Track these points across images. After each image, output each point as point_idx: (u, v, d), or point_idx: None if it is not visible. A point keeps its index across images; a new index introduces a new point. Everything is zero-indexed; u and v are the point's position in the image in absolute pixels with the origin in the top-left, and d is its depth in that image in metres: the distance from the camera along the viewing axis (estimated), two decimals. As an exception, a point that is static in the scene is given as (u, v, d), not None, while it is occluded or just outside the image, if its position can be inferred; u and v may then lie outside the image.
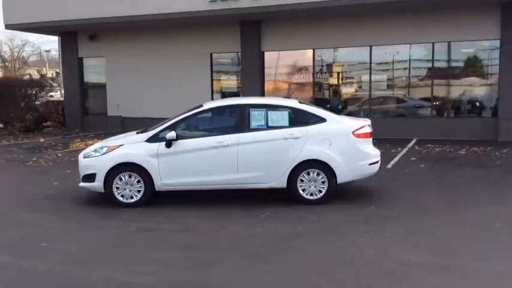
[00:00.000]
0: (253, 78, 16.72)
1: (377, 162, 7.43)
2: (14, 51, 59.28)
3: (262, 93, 16.81)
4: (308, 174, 7.11)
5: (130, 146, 7.11)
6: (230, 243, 5.50)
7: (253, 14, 15.36)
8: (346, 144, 7.18)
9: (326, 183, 7.12)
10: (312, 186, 7.12)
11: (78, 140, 15.18)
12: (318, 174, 7.10)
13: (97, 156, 7.14)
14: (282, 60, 16.94)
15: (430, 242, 5.40)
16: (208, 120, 7.58)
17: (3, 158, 12.12)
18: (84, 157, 7.29)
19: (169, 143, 6.98)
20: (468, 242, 5.41)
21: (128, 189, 7.05)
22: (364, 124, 7.38)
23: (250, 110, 7.25)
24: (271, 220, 6.40)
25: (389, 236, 5.64)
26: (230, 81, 17.79)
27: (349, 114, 16.33)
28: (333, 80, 16.53)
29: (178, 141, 7.03)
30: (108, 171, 7.00)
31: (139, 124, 17.59)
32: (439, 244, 5.36)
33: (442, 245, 5.31)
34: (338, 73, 16.46)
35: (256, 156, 7.06)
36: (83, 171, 7.21)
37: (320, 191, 7.14)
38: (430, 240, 5.48)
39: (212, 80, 17.58)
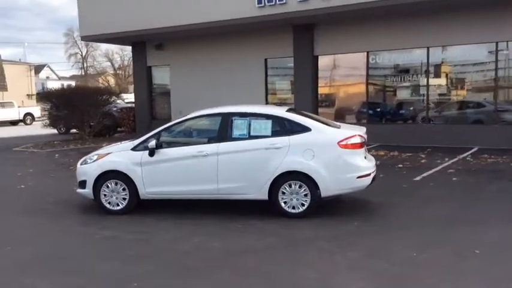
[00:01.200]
0: (306, 82, 16.43)
1: (367, 175, 6.91)
2: (124, 60, 63.74)
3: (315, 98, 16.51)
4: (290, 186, 6.83)
5: (117, 155, 7.34)
6: (177, 256, 5.44)
7: (304, 18, 15.08)
8: (330, 155, 6.78)
9: (309, 196, 6.78)
10: (294, 199, 6.83)
11: None
12: (300, 187, 6.79)
13: (89, 164, 7.47)
14: (335, 64, 16.45)
15: (383, 269, 4.91)
16: (191, 129, 7.57)
17: (55, 162, 13.13)
18: (81, 164, 7.66)
19: (152, 152, 7.10)
20: (427, 270, 4.83)
21: (115, 197, 7.28)
22: (351, 134, 6.91)
23: (233, 119, 7.14)
24: (238, 233, 6.24)
25: (345, 259, 5.22)
26: (284, 86, 17.64)
27: (406, 119, 15.56)
28: (388, 83, 15.70)
29: (161, 150, 7.13)
30: (96, 178, 7.29)
31: None
32: (394, 271, 4.85)
33: (396, 272, 4.81)
34: (393, 76, 15.59)
35: (236, 166, 6.93)
36: (78, 178, 7.58)
37: (303, 204, 6.82)
38: (385, 266, 4.98)
39: (267, 85, 17.56)
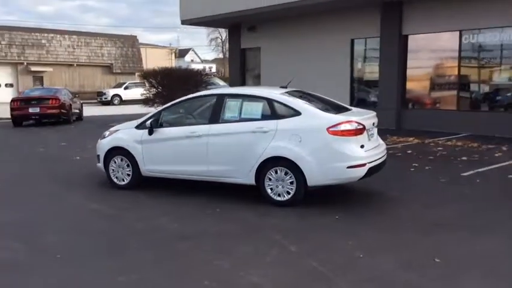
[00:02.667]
0: (392, 64, 15.25)
1: (359, 165, 6.23)
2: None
3: (403, 81, 15.29)
4: (276, 172, 6.46)
5: (123, 132, 7.61)
6: (126, 234, 5.44)
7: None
8: (318, 142, 6.26)
9: (294, 184, 6.37)
10: (279, 186, 6.45)
11: None
12: (286, 174, 6.39)
13: (103, 139, 7.87)
14: (425, 44, 15.00)
15: (305, 268, 4.42)
16: (189, 109, 7.48)
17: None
18: (100, 139, 8.10)
19: (150, 131, 7.23)
20: (353, 275, 4.26)
21: (120, 172, 7.57)
22: (342, 120, 6.28)
23: (226, 100, 6.94)
24: (208, 217, 6.07)
25: (280, 253, 4.80)
26: (371, 68, 16.62)
27: (505, 106, 13.65)
28: (484, 66, 13.88)
29: (159, 129, 7.22)
30: (105, 154, 7.66)
31: None
32: (313, 271, 4.35)
33: (313, 273, 4.31)
34: (489, 58, 13.75)
35: (225, 149, 6.75)
36: (96, 152, 8.03)
37: (288, 193, 6.42)
38: (313, 264, 4.47)
39: (352, 67, 16.72)
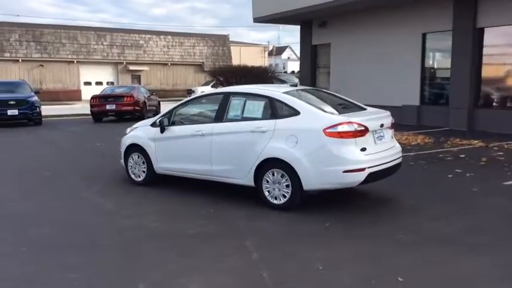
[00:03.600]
0: (465, 59, 14.08)
1: (357, 170, 5.80)
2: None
3: (477, 78, 14.03)
4: (273, 174, 6.23)
5: (140, 129, 7.79)
6: (108, 230, 5.54)
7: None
8: (314, 143, 5.92)
9: (290, 188, 6.09)
10: (276, 189, 6.21)
11: None
12: (282, 176, 6.14)
13: (124, 136, 8.12)
14: (503, 38, 13.60)
15: (252, 277, 4.21)
16: (199, 108, 7.43)
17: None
18: (124, 136, 8.36)
19: (162, 128, 7.34)
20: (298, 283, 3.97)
21: (137, 169, 7.78)
22: (340, 121, 5.86)
23: (231, 99, 6.82)
24: (197, 217, 5.96)
25: (240, 259, 4.61)
26: (443, 64, 15.45)
27: None
28: None
29: (170, 127, 7.30)
30: (125, 150, 7.91)
31: None
32: (258, 279, 4.13)
33: (255, 280, 4.10)
34: None
35: (226, 148, 6.64)
36: (120, 149, 8.30)
37: (284, 196, 6.16)
38: (261, 274, 4.25)
39: (423, 63, 15.65)
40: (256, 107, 6.55)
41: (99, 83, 40.27)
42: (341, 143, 5.82)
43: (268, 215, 6.02)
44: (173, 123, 7.31)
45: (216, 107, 6.93)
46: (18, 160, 10.58)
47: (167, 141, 7.30)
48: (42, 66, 38.40)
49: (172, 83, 43.16)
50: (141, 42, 42.07)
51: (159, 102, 22.30)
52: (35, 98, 17.99)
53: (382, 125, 6.29)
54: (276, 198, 6.22)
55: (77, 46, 39.62)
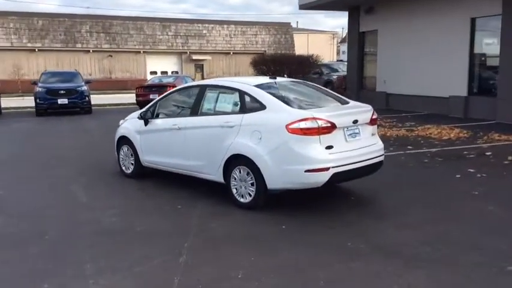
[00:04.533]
0: (516, 46, 12.84)
1: (320, 170, 5.39)
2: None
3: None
4: (240, 172, 5.97)
5: (129, 121, 7.75)
6: (64, 223, 5.58)
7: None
8: (277, 140, 5.58)
9: (255, 186, 5.81)
10: (242, 187, 5.95)
11: None
12: (247, 174, 5.87)
13: (118, 128, 8.13)
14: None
15: (167, 281, 4.04)
16: (179, 101, 7.22)
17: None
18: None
19: (146, 121, 7.28)
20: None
21: (127, 161, 7.79)
22: (303, 117, 5.46)
23: (207, 92, 6.61)
24: (154, 214, 5.79)
25: (163, 262, 4.41)
26: (493, 51, 14.15)
27: None
28: None
29: (153, 120, 7.22)
30: (117, 142, 7.95)
31: (401, 101, 16.74)
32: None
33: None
34: None
35: (198, 143, 6.46)
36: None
37: (250, 194, 5.89)
38: (176, 278, 4.06)
39: (472, 50, 14.45)
40: (228, 101, 6.31)
41: (164, 73, 41.44)
42: (303, 140, 5.44)
43: (233, 214, 5.78)
44: (157, 116, 7.24)
45: (193, 101, 6.76)
46: (36, 148, 11.03)
47: (150, 134, 7.24)
48: (111, 56, 40.15)
49: (235, 71, 43.42)
50: (204, 31, 42.69)
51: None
52: (85, 88, 18.77)
53: (355, 121, 5.80)
54: (242, 197, 5.96)
55: (143, 37, 40.97)
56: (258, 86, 6.16)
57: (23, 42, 37.62)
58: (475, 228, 5.13)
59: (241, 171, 5.92)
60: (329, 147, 5.50)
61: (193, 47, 42.24)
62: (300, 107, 5.80)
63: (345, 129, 5.71)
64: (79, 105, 18.54)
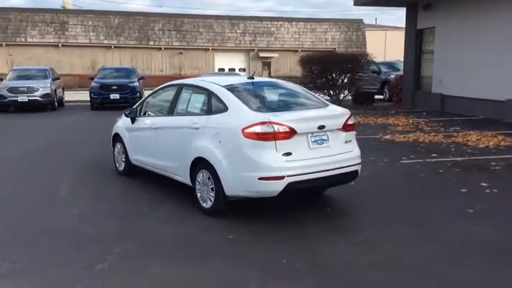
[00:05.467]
0: None
1: (275, 178, 4.99)
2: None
3: None
4: (203, 175, 5.70)
5: (122, 119, 7.70)
6: (24, 218, 5.66)
7: None
8: (234, 145, 5.26)
9: (214, 191, 5.51)
10: (204, 192, 5.68)
11: (386, 116, 14.65)
12: (209, 178, 5.58)
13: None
14: None
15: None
16: (161, 100, 6.97)
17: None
18: None
19: (133, 119, 7.19)
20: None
21: (119, 158, 7.75)
22: (258, 121, 5.07)
23: (182, 91, 6.40)
24: (113, 218, 5.63)
25: (84, 269, 4.27)
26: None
27: None
28: None
29: (139, 118, 7.12)
30: (112, 139, 7.94)
31: (457, 104, 15.57)
32: None
33: None
34: None
35: (171, 143, 6.27)
36: (113, 137, 8.30)
37: (211, 200, 5.60)
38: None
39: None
40: (198, 101, 6.06)
41: (231, 70, 41.83)
42: (258, 145, 5.07)
43: (189, 220, 5.53)
44: (144, 114, 7.14)
45: (171, 100, 6.57)
46: (55, 142, 11.34)
47: (135, 133, 7.18)
48: (181, 53, 41.16)
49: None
50: (272, 29, 42.50)
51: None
52: (136, 84, 19.30)
53: (321, 127, 5.30)
54: (205, 201, 5.69)
55: (212, 34, 41.58)
56: (227, 86, 5.83)
57: (100, 39, 39.58)
58: (444, 253, 4.48)
59: (204, 175, 5.64)
60: (287, 154, 5.08)
61: (261, 44, 42.20)
62: (261, 110, 5.40)
63: (309, 135, 5.25)
64: (129, 101, 18.99)
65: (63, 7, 47.15)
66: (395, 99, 19.59)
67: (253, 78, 6.16)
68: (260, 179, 5.02)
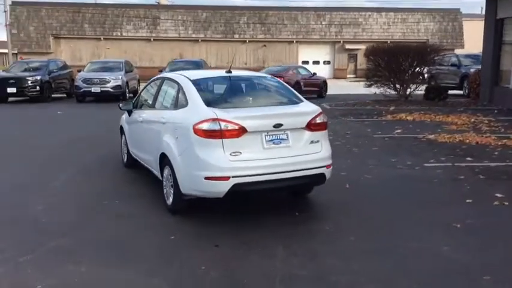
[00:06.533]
0: None
1: (219, 178, 4.70)
2: None
3: None
4: (166, 171, 5.54)
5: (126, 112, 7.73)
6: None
7: None
8: (186, 141, 5.06)
9: (173, 188, 5.33)
10: (167, 188, 5.53)
11: (450, 114, 13.47)
12: (170, 175, 5.41)
13: None
14: None
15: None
16: (151, 92, 6.77)
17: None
18: None
19: (129, 111, 7.18)
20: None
21: (124, 151, 7.79)
22: (206, 117, 4.79)
23: (163, 84, 6.27)
24: (81, 209, 5.71)
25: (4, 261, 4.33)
26: None
27: None
28: None
29: (134, 110, 7.07)
30: (120, 131, 8.03)
31: None
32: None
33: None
34: None
35: (148, 137, 6.22)
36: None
37: (171, 197, 5.43)
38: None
39: None
40: (170, 95, 5.94)
41: (316, 62, 41.27)
42: (205, 143, 4.81)
43: (149, 217, 5.38)
44: (141, 107, 7.12)
45: (154, 93, 6.49)
46: (105, 128, 11.70)
47: (131, 125, 7.21)
48: (265, 46, 41.28)
49: (391, 62, 40.92)
50: (360, 20, 41.10)
51: (324, 81, 21.59)
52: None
53: (278, 126, 4.88)
54: (168, 198, 5.54)
55: (297, 26, 41.19)
56: (195, 80, 5.60)
57: (188, 33, 40.93)
58: (385, 272, 3.92)
59: (167, 171, 5.49)
60: (235, 154, 4.75)
61: (347, 36, 41.01)
62: (217, 106, 5.09)
63: (264, 134, 4.86)
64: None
65: (158, 2, 49.37)
66: (473, 95, 18.00)
67: (230, 72, 5.85)
68: (206, 178, 4.77)
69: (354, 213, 5.42)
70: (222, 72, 5.96)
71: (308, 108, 5.29)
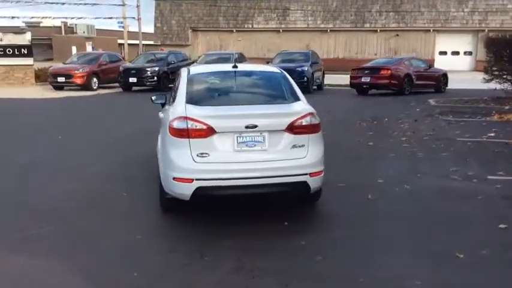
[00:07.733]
0: None
1: (184, 180, 4.48)
2: None
3: None
4: (161, 169, 5.48)
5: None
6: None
7: None
8: (164, 139, 4.97)
9: (159, 187, 5.25)
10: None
11: None
12: (161, 173, 5.34)
13: None
14: None
15: None
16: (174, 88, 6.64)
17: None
18: None
19: (162, 105, 7.02)
20: None
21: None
22: (179, 115, 4.59)
23: (176, 78, 6.19)
24: (67, 216, 5.90)
25: None
26: None
27: None
28: None
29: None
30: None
31: None
32: None
33: None
34: None
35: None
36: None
37: (161, 196, 5.36)
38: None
39: None
40: (174, 90, 5.80)
41: (455, 53, 38.08)
42: (175, 143, 4.67)
43: (139, 216, 5.32)
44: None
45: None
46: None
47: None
48: (398, 35, 39.07)
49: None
50: (509, 6, 36.62)
51: (443, 75, 19.58)
52: (306, 68, 19.22)
53: (251, 127, 4.48)
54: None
55: (434, 14, 38.20)
56: (193, 75, 5.43)
57: (317, 24, 40.47)
58: None
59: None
60: (203, 155, 4.49)
61: (492, 24, 36.83)
62: (197, 104, 4.84)
63: (236, 135, 4.51)
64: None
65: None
66: None
67: (236, 66, 5.51)
68: (174, 179, 4.60)
69: (345, 230, 4.80)
70: (225, 66, 5.66)
71: (294, 109, 4.77)
